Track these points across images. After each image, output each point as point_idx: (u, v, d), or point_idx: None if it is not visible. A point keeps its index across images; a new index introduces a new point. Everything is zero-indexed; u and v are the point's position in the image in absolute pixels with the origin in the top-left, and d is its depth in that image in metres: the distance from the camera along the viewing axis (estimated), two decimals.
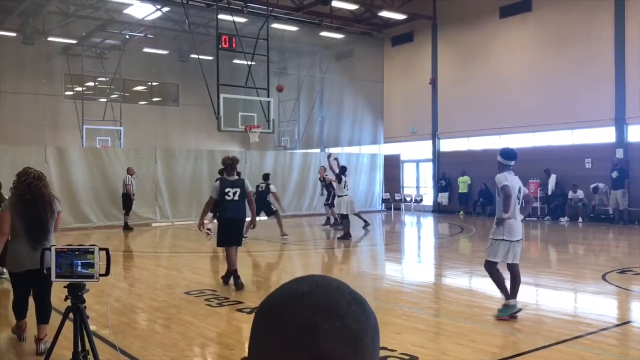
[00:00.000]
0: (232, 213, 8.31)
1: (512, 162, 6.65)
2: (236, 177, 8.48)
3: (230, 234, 8.41)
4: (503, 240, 6.51)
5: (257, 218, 14.75)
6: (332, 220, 17.41)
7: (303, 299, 0.75)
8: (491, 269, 6.63)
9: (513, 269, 6.62)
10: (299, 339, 0.72)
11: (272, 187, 15.28)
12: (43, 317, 5.45)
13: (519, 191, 6.59)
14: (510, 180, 6.51)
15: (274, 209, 14.90)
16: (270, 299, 0.79)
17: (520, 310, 6.45)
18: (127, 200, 16.89)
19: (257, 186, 15.05)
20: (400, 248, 14.55)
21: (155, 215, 18.73)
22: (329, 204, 17.47)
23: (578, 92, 18.47)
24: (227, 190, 8.25)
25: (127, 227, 16.95)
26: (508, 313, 6.43)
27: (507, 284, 6.58)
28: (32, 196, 5.33)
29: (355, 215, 15.58)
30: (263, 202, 14.78)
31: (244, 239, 14.44)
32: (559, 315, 6.66)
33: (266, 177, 15.53)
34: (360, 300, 0.78)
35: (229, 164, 8.35)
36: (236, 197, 8.27)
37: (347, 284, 0.81)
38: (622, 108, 17.62)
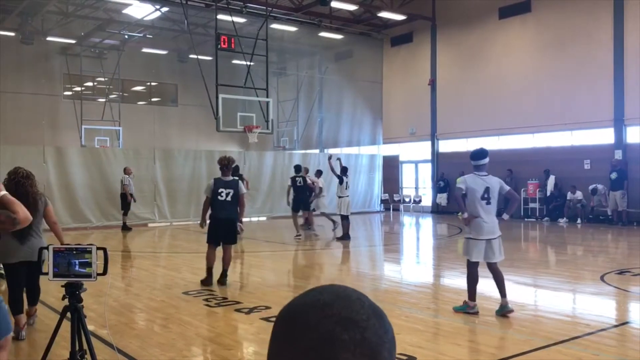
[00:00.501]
0: (223, 213, 8.44)
1: (481, 162, 6.73)
2: (231, 178, 8.59)
3: (219, 233, 8.54)
4: (471, 239, 6.67)
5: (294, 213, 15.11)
6: (312, 224, 17.31)
7: (324, 309, 0.76)
8: (469, 269, 6.77)
9: (491, 268, 6.73)
10: (318, 349, 0.73)
11: (308, 180, 15.35)
12: (32, 299, 6.10)
13: (486, 191, 6.64)
14: (471, 181, 6.66)
15: (309, 205, 15.07)
16: (290, 307, 0.80)
17: (476, 313, 6.58)
18: (125, 201, 16.88)
19: (295, 180, 15.00)
20: (399, 249, 14.55)
21: (154, 215, 18.72)
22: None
23: (577, 93, 18.49)
24: (220, 190, 8.40)
25: (125, 228, 16.93)
26: (463, 310, 6.65)
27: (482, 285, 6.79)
28: (18, 194, 5.48)
29: (324, 215, 15.63)
30: (304, 197, 14.81)
31: (312, 232, 15.06)
32: (558, 316, 6.66)
33: (299, 169, 15.39)
34: (380, 313, 0.80)
35: (225, 164, 8.47)
36: (228, 198, 8.40)
37: (367, 296, 0.82)
38: (621, 109, 17.63)
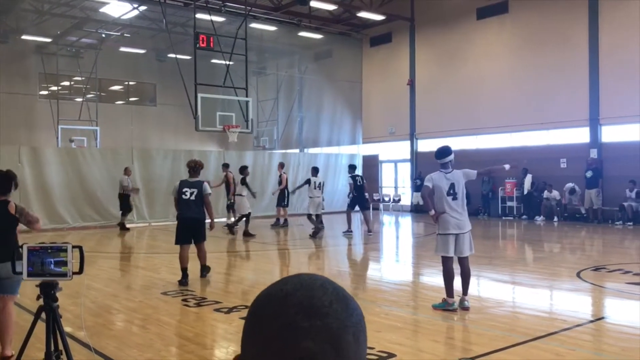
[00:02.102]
0: (187, 212, 8.66)
1: (445, 159, 6.87)
2: (197, 179, 8.79)
3: (184, 233, 8.74)
4: (440, 234, 6.80)
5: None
6: (281, 221, 17.50)
7: (286, 299, 0.77)
8: (443, 265, 6.87)
9: (460, 262, 6.85)
10: (281, 339, 0.74)
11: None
12: None
13: (451, 187, 6.76)
14: (437, 178, 6.81)
15: (368, 204, 15.45)
16: (256, 301, 0.81)
17: (455, 310, 6.67)
18: (125, 201, 16.90)
19: (355, 179, 15.24)
20: (378, 247, 14.59)
21: (132, 215, 18.49)
22: (284, 205, 17.49)
23: (553, 93, 18.73)
24: (184, 190, 8.69)
25: (123, 227, 16.94)
26: (442, 307, 6.73)
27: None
28: None
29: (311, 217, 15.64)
30: (362, 196, 15.16)
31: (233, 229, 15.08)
32: (535, 312, 6.74)
33: (354, 168, 15.85)
34: (344, 298, 0.79)
35: (192, 166, 8.82)
36: (192, 197, 8.64)
37: (332, 282, 0.82)
38: (596, 109, 17.91)
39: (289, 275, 0.84)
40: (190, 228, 8.67)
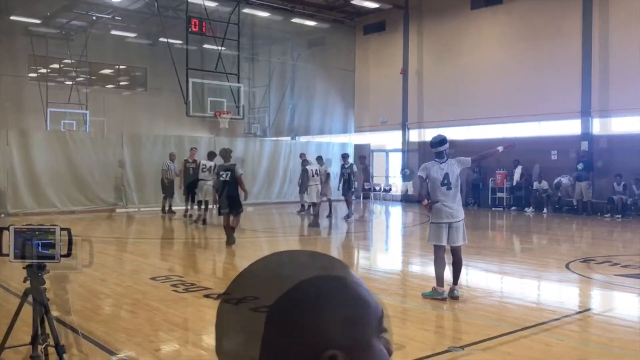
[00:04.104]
0: (224, 191, 10.54)
1: (440, 149, 6.85)
2: (229, 163, 10.64)
3: (223, 206, 10.66)
4: (433, 223, 6.80)
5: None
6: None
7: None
8: (435, 254, 6.85)
9: (453, 252, 6.83)
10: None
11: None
12: None
13: (445, 177, 6.74)
14: (431, 169, 6.79)
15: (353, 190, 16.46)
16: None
17: (445, 299, 6.66)
18: (166, 185, 17.09)
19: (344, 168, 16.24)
20: (368, 236, 14.61)
21: (122, 200, 18.40)
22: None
23: (546, 84, 18.75)
24: (221, 173, 10.63)
25: (170, 211, 17.10)
26: (432, 296, 6.72)
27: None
28: None
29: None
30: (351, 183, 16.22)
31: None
32: (524, 303, 6.77)
33: (346, 156, 16.76)
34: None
35: (224, 155, 10.81)
36: (228, 178, 10.44)
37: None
38: (588, 101, 17.95)
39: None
40: (226, 202, 10.50)
